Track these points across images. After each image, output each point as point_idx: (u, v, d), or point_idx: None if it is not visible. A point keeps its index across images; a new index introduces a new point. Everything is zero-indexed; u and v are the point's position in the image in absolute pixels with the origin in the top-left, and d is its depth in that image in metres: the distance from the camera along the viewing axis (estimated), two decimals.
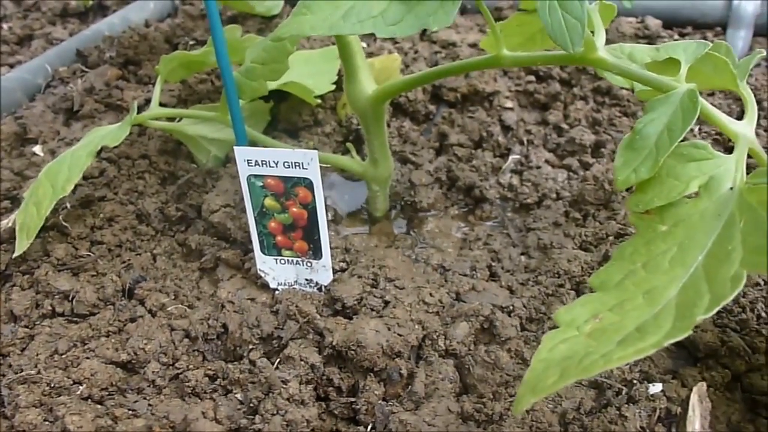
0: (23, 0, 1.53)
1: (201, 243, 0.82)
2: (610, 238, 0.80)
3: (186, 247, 0.83)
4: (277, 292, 0.74)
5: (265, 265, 0.74)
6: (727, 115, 0.97)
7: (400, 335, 0.65)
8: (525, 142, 0.99)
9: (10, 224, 0.81)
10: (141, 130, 1.00)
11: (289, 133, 1.02)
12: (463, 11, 1.31)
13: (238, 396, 0.63)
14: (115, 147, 0.86)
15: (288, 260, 0.73)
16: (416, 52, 1.14)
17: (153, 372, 0.65)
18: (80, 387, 0.63)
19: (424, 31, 1.20)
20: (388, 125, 1.01)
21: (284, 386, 0.61)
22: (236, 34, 0.91)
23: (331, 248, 0.73)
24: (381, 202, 0.89)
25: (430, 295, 0.71)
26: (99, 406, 0.62)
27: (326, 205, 0.88)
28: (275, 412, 0.59)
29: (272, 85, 0.81)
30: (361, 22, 0.56)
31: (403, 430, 0.58)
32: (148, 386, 0.65)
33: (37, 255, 0.80)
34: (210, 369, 0.66)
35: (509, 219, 0.88)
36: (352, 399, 0.63)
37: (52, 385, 0.63)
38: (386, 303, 0.70)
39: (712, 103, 0.99)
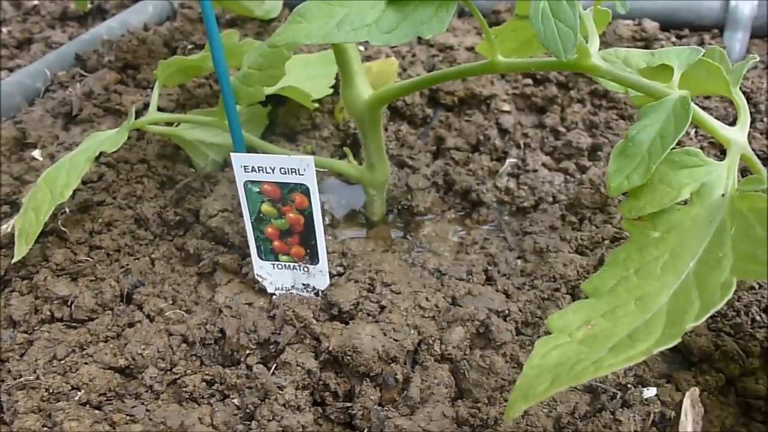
0: (23, 3, 1.54)
1: (199, 247, 0.82)
2: (606, 242, 0.81)
3: (184, 251, 0.83)
4: (274, 296, 0.74)
5: (263, 270, 0.75)
6: (724, 117, 0.99)
7: (396, 340, 0.65)
8: (522, 146, 0.99)
9: (9, 229, 0.81)
10: (140, 134, 1.01)
11: (287, 137, 1.03)
12: (461, 14, 1.31)
13: (235, 401, 0.63)
14: (114, 151, 0.86)
15: (285, 265, 0.74)
16: (414, 55, 1.15)
17: (151, 377, 0.66)
18: (78, 392, 0.64)
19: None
20: (386, 129, 1.02)
21: (280, 392, 0.61)
22: (234, 39, 0.91)
23: (328, 252, 0.74)
24: (378, 207, 0.89)
25: (426, 299, 0.71)
26: (97, 412, 0.63)
27: (323, 209, 0.88)
28: (271, 418, 0.60)
29: (270, 89, 0.81)
30: (355, 30, 0.56)
31: None
32: (146, 391, 0.65)
33: (36, 260, 0.80)
34: (207, 374, 0.66)
35: (506, 223, 0.89)
36: (348, 404, 0.63)
37: (51, 391, 0.64)
38: (382, 308, 0.70)
39: (707, 107, 1.01)
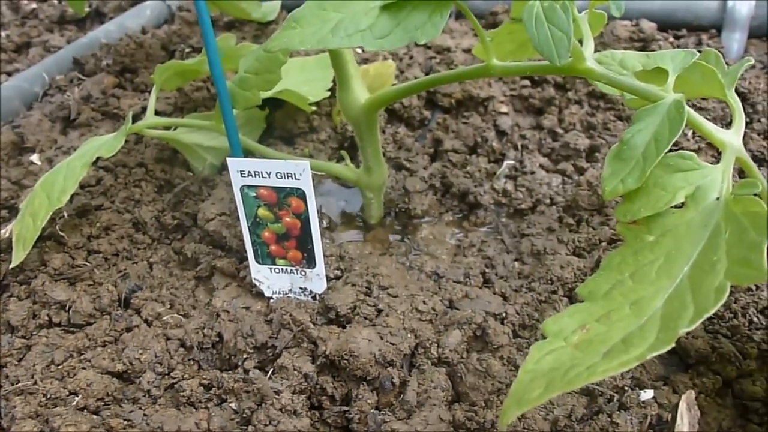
0: (21, 7, 1.54)
1: (197, 251, 0.82)
2: (603, 243, 0.81)
3: (182, 255, 0.83)
4: (271, 300, 0.75)
5: (260, 274, 0.75)
6: (721, 118, 0.99)
7: (393, 344, 0.65)
8: (519, 147, 0.99)
9: (6, 234, 0.82)
10: (137, 138, 1.01)
11: (285, 140, 1.03)
12: (458, 16, 1.31)
13: (233, 405, 0.63)
14: (112, 155, 0.86)
15: (282, 269, 0.74)
16: (411, 57, 1.15)
17: (148, 382, 0.66)
18: (76, 398, 0.64)
19: None
20: (383, 131, 1.02)
21: (277, 396, 0.61)
22: (231, 42, 0.91)
23: (325, 256, 0.74)
24: (375, 210, 0.89)
25: (424, 302, 0.71)
26: (95, 417, 0.63)
27: (321, 213, 0.89)
28: (268, 423, 0.60)
29: (267, 93, 0.82)
30: (350, 36, 0.57)
31: None
32: (144, 396, 0.66)
33: (33, 265, 0.80)
34: (205, 378, 0.66)
35: (503, 225, 0.89)
36: (345, 408, 0.63)
37: (49, 396, 0.64)
38: (379, 311, 0.70)
39: (704, 108, 1.01)
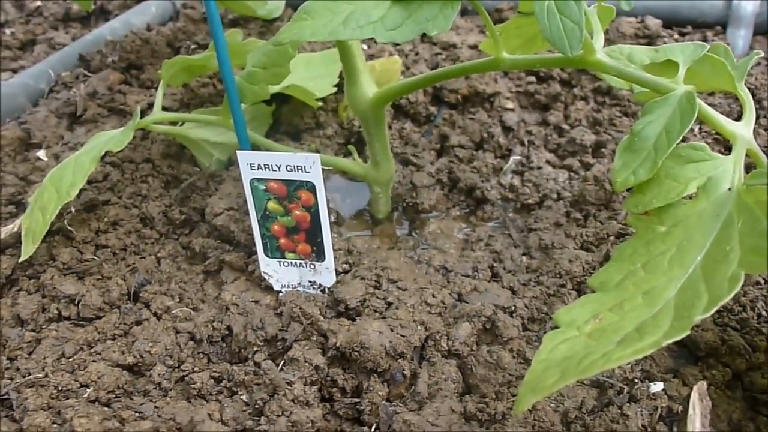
0: (26, 4, 1.54)
1: (205, 246, 0.82)
2: (611, 238, 0.81)
3: (190, 250, 0.84)
4: (281, 294, 0.75)
5: (269, 267, 0.75)
6: (728, 114, 0.99)
7: (403, 336, 0.65)
8: (526, 143, 0.99)
9: (15, 229, 0.82)
10: (144, 133, 1.01)
11: (292, 135, 1.03)
12: (464, 13, 1.32)
13: (244, 397, 0.64)
14: (119, 151, 0.87)
15: (291, 262, 0.74)
16: (417, 54, 1.15)
17: (159, 374, 0.66)
18: (87, 390, 0.64)
19: (424, 33, 1.21)
20: (390, 127, 1.02)
21: (289, 387, 0.62)
22: (237, 38, 0.92)
23: (334, 250, 0.74)
24: (383, 204, 0.89)
25: (433, 296, 0.71)
26: (106, 409, 0.63)
27: (329, 208, 0.89)
28: (280, 413, 0.60)
29: (274, 88, 0.82)
30: (361, 28, 0.57)
31: (406, 430, 0.59)
32: (155, 388, 0.66)
33: (42, 259, 0.80)
34: (215, 371, 0.66)
35: (510, 220, 0.89)
36: (356, 400, 0.63)
37: (60, 389, 0.64)
38: (389, 304, 0.70)
39: (712, 103, 1.01)
